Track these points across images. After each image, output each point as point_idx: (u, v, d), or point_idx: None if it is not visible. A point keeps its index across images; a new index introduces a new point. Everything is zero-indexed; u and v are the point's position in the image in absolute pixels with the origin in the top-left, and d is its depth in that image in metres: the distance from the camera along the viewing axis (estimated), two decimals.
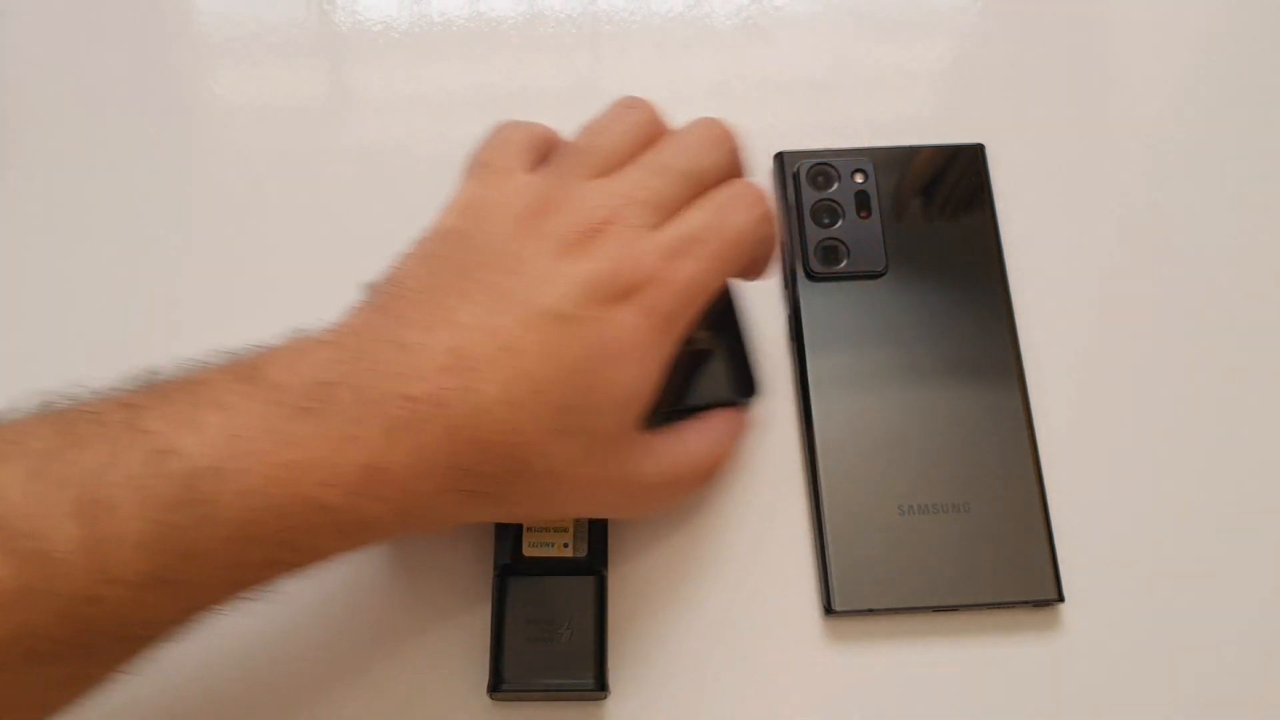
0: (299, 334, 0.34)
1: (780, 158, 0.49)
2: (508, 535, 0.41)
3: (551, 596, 0.39)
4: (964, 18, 0.55)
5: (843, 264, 0.47)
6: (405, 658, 0.41)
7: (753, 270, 0.42)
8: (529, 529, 0.41)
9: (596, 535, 0.41)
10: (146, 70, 0.53)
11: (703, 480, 0.41)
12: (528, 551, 0.40)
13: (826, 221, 0.47)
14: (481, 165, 0.39)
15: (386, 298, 0.35)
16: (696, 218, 0.37)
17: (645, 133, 0.40)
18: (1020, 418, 0.44)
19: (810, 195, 0.48)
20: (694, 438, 0.40)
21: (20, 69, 0.52)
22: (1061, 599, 0.42)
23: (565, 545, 0.40)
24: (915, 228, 0.47)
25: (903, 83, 0.53)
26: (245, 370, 0.32)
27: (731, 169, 0.40)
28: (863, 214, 0.47)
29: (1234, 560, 0.43)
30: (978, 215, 0.48)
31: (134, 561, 0.29)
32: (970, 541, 0.42)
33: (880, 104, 0.52)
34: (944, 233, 0.48)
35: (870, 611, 0.42)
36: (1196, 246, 0.49)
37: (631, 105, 0.41)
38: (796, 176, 0.48)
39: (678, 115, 0.51)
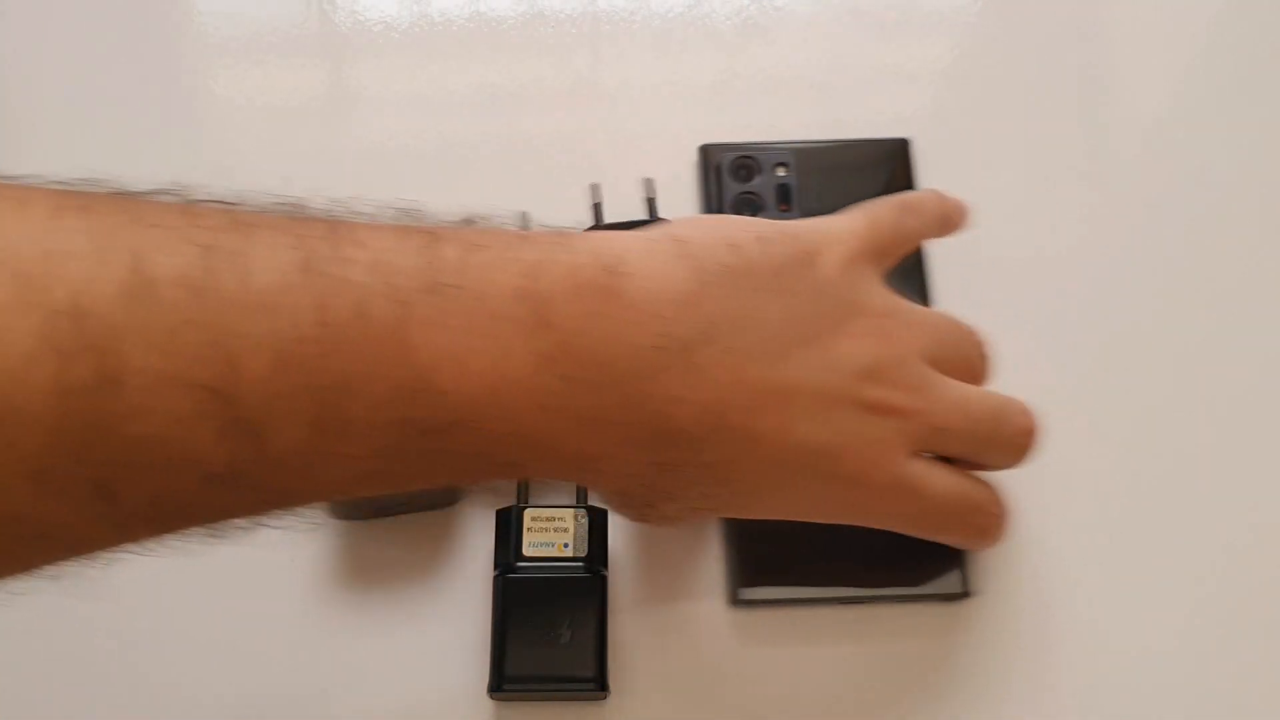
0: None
1: (704, 150, 0.49)
2: (508, 536, 0.41)
3: (552, 597, 0.39)
4: (964, 18, 0.55)
5: None
6: (406, 658, 0.41)
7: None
8: (528, 528, 0.40)
9: (597, 535, 0.41)
10: (146, 70, 0.53)
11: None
12: (528, 552, 0.40)
13: (747, 214, 0.47)
14: (814, 236, 0.38)
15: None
16: (979, 407, 0.38)
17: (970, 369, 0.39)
18: None
19: (732, 188, 0.48)
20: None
21: (20, 69, 0.52)
22: (969, 594, 0.42)
23: (565, 545, 0.40)
24: None
25: (902, 82, 0.53)
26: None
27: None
28: (783, 207, 0.47)
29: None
30: None
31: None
32: (878, 534, 0.41)
33: (880, 103, 0.52)
34: None
35: (775, 603, 0.42)
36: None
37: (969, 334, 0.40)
38: (719, 169, 0.48)
39: (677, 115, 0.52)
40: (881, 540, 0.41)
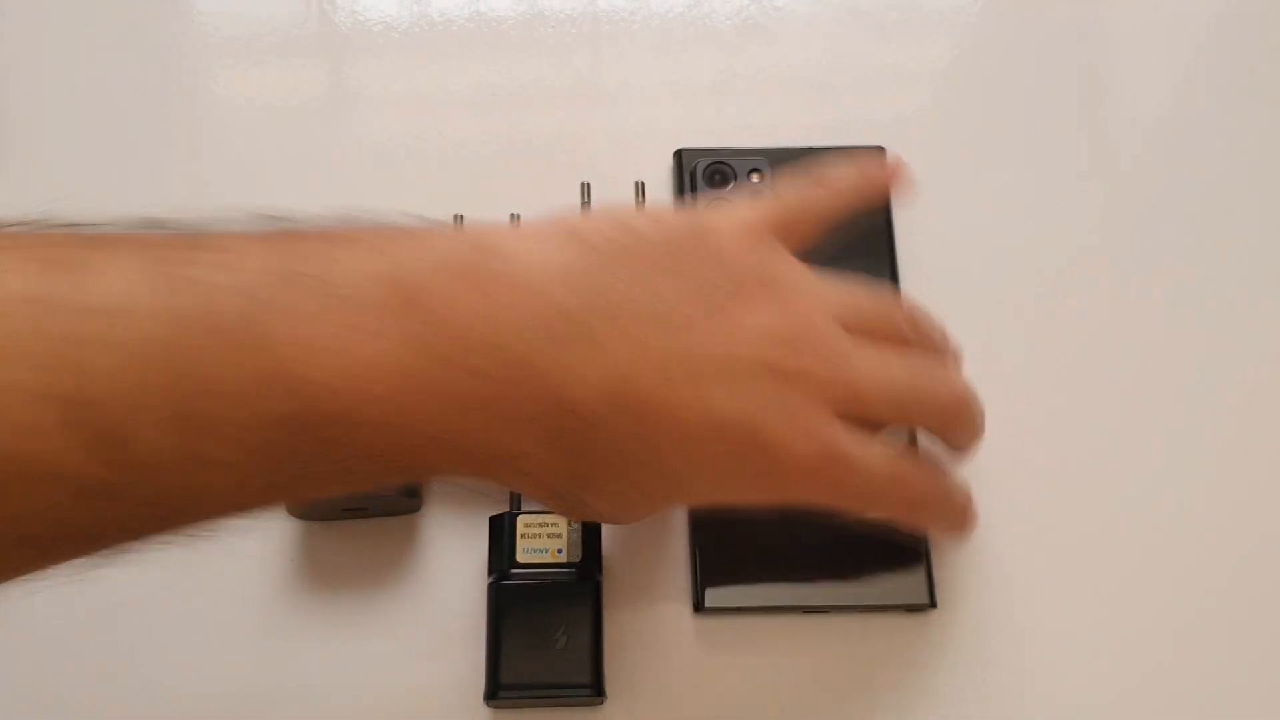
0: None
1: (679, 155, 0.49)
2: (502, 542, 0.41)
3: (547, 603, 0.39)
4: (964, 18, 0.54)
5: None
6: (402, 667, 0.41)
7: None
8: (522, 534, 0.41)
9: (590, 540, 0.41)
10: (146, 70, 0.53)
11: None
12: (522, 558, 0.40)
13: None
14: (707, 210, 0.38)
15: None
16: (899, 360, 0.37)
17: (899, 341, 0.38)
18: None
19: (706, 194, 0.48)
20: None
21: (20, 69, 0.52)
22: (934, 605, 0.42)
23: (559, 551, 0.40)
24: None
25: (902, 82, 0.53)
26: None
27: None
28: None
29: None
30: (873, 217, 0.48)
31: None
32: (845, 544, 0.42)
33: (879, 103, 0.52)
34: (838, 234, 0.47)
35: (740, 610, 0.42)
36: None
37: (895, 307, 0.40)
38: (694, 174, 0.48)
39: (677, 115, 0.52)
40: (849, 550, 0.41)
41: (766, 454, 0.34)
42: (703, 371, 0.33)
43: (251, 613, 0.42)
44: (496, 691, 0.39)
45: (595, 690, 0.39)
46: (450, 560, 0.43)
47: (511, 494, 0.42)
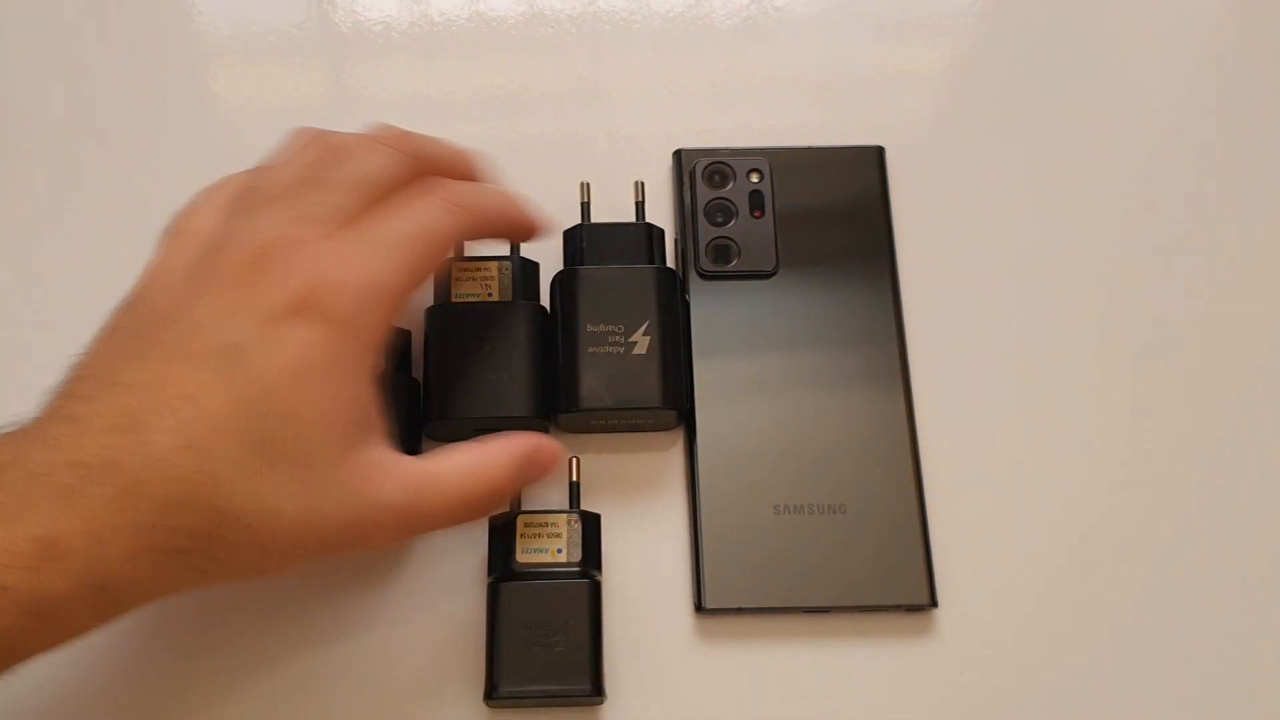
0: None
1: (678, 155, 0.49)
2: (501, 542, 0.41)
3: (546, 603, 0.39)
4: (964, 18, 0.54)
5: (733, 263, 0.46)
6: (400, 667, 0.41)
7: (507, 236, 0.43)
8: (522, 534, 0.41)
9: (590, 540, 0.41)
10: (146, 70, 0.53)
11: (467, 509, 0.38)
12: (521, 558, 0.40)
13: (720, 220, 0.47)
14: (166, 232, 0.39)
15: (64, 381, 0.34)
16: (366, 221, 0.37)
17: (313, 155, 0.38)
18: (903, 422, 0.44)
19: (705, 193, 0.48)
20: (461, 459, 0.38)
21: (20, 69, 0.52)
22: (935, 604, 0.42)
23: (559, 551, 0.40)
24: (809, 229, 0.47)
25: (902, 82, 0.53)
26: None
27: (408, 170, 0.39)
28: (756, 213, 0.47)
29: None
30: (873, 218, 0.48)
31: None
32: (845, 543, 0.42)
33: (879, 103, 0.52)
34: (837, 234, 0.48)
35: (741, 610, 0.42)
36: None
37: (298, 133, 0.40)
38: (693, 174, 0.48)
39: (677, 115, 0.52)
40: (849, 550, 0.42)
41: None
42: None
43: (252, 609, 0.42)
44: (494, 691, 0.39)
45: (594, 691, 0.39)
46: (450, 559, 0.43)
47: None
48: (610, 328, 0.43)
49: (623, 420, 0.44)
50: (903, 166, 0.49)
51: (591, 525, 0.41)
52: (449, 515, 0.37)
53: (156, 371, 0.33)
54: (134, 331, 0.35)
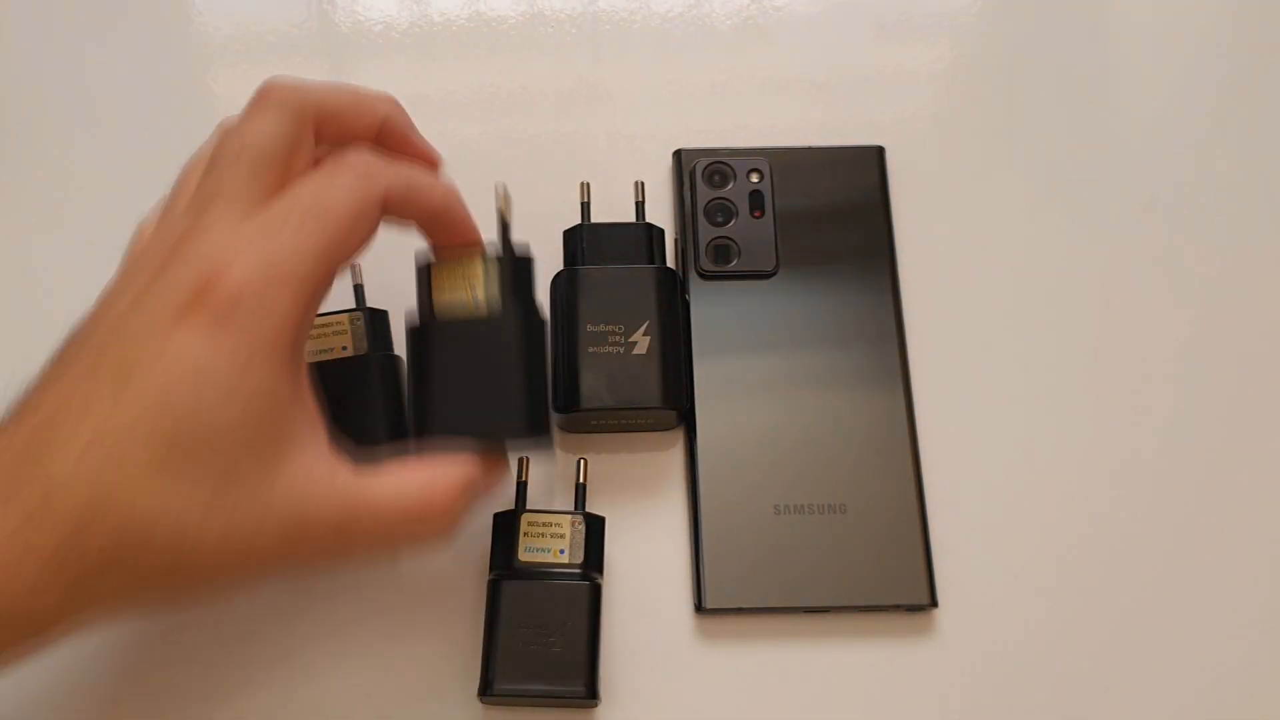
0: None
1: (678, 155, 0.49)
2: (504, 540, 0.41)
3: (545, 602, 0.39)
4: (964, 18, 0.54)
5: (733, 263, 0.47)
6: (397, 659, 0.41)
7: (418, 217, 0.37)
8: (525, 533, 0.41)
9: (592, 542, 0.41)
10: (147, 70, 0.53)
11: (407, 532, 0.35)
12: (524, 557, 0.40)
13: (720, 220, 0.47)
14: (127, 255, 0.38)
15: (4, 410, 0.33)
16: (273, 200, 0.33)
17: (215, 139, 0.36)
18: (903, 422, 0.44)
19: (705, 193, 0.48)
20: (404, 477, 0.35)
21: (20, 69, 0.52)
22: (935, 604, 0.42)
23: (561, 552, 0.40)
24: (809, 228, 0.47)
25: (902, 82, 0.53)
26: None
27: (299, 127, 0.35)
28: (756, 213, 0.47)
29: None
30: (873, 218, 0.48)
31: None
32: (845, 543, 0.42)
33: (879, 103, 0.52)
34: (837, 234, 0.48)
35: (741, 610, 0.42)
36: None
37: (219, 124, 0.37)
38: (693, 174, 0.48)
39: (676, 115, 0.52)
40: (849, 550, 0.42)
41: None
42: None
43: (252, 604, 0.42)
44: (489, 688, 0.39)
45: (588, 694, 0.39)
46: (452, 553, 0.43)
47: (517, 491, 0.42)
48: (610, 328, 0.43)
49: (623, 420, 0.44)
50: (903, 166, 0.49)
51: (595, 527, 0.41)
52: (387, 538, 0.35)
53: (64, 392, 0.31)
54: (60, 353, 0.33)
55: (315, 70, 0.54)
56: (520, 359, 0.38)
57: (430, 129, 0.51)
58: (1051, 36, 0.54)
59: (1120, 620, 0.43)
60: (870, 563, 0.42)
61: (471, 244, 0.39)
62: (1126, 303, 0.48)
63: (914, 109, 0.52)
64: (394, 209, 0.36)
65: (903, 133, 0.50)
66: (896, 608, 0.42)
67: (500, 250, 0.39)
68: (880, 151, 0.49)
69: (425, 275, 0.39)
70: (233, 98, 0.52)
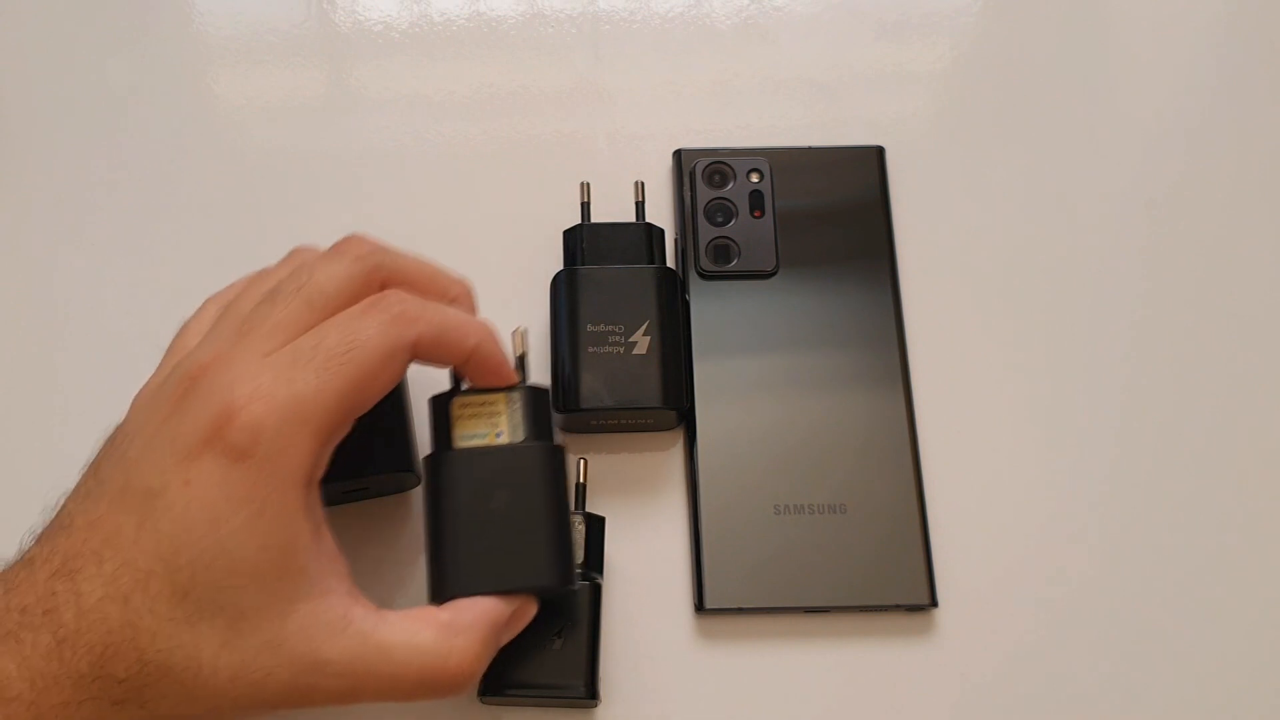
0: None
1: (678, 155, 0.49)
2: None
3: (546, 603, 0.39)
4: (964, 18, 0.54)
5: (734, 263, 0.47)
6: None
7: (450, 361, 0.36)
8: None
9: (593, 543, 0.41)
10: (147, 70, 0.53)
11: (422, 690, 0.33)
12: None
13: (720, 220, 0.47)
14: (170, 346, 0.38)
15: (48, 513, 0.33)
16: (304, 336, 0.33)
17: (282, 267, 0.37)
18: (903, 422, 0.44)
19: (705, 193, 0.48)
20: (421, 635, 0.33)
21: (20, 69, 0.52)
22: (935, 604, 0.42)
23: None
24: (809, 228, 0.47)
25: (902, 82, 0.53)
26: None
27: (365, 280, 0.35)
28: (756, 213, 0.47)
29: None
30: (873, 218, 0.48)
31: None
32: (845, 543, 0.42)
33: (879, 103, 0.52)
34: (837, 234, 0.48)
35: (741, 610, 0.42)
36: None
37: (293, 250, 0.38)
38: (693, 174, 0.48)
39: (677, 115, 0.52)
40: (849, 550, 0.42)
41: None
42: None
43: None
44: (490, 687, 0.39)
45: (588, 694, 0.39)
46: None
47: None
48: (610, 328, 0.43)
49: (623, 420, 0.44)
50: (903, 166, 0.49)
51: (595, 528, 0.41)
52: (400, 693, 0.33)
53: (95, 513, 0.32)
54: (97, 464, 0.33)
55: (315, 70, 0.54)
56: (548, 495, 0.36)
57: (430, 129, 0.52)
58: (1051, 36, 0.54)
59: (1120, 620, 0.43)
60: (870, 563, 0.42)
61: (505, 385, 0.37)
62: (1126, 303, 0.48)
63: (914, 109, 0.52)
64: (425, 354, 0.35)
65: (903, 133, 0.50)
66: (896, 608, 0.42)
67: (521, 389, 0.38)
68: (880, 151, 0.49)
69: (444, 412, 0.37)
70: (232, 98, 0.53)
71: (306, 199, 0.50)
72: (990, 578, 0.43)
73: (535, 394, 0.38)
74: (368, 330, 0.33)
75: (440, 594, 0.36)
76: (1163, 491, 0.45)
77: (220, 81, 0.54)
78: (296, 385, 0.32)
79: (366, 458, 0.37)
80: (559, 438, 0.45)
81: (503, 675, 0.39)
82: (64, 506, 0.33)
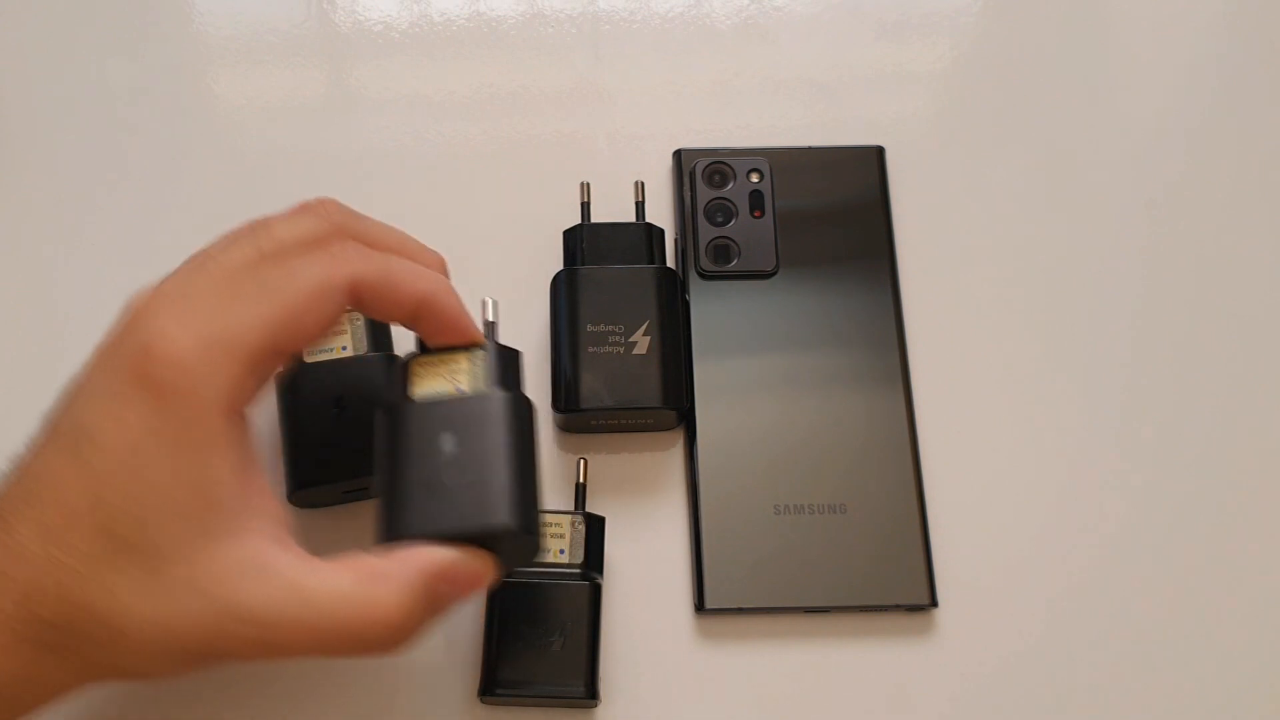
0: None
1: (678, 155, 0.49)
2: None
3: (546, 603, 0.39)
4: (964, 18, 0.54)
5: (734, 263, 0.47)
6: (398, 659, 0.41)
7: (396, 311, 0.35)
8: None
9: (592, 542, 0.41)
10: (147, 70, 0.53)
11: (344, 643, 0.31)
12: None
13: (720, 220, 0.47)
14: None
15: None
16: (242, 274, 0.33)
17: (245, 224, 0.36)
18: (903, 422, 0.44)
19: (705, 193, 0.48)
20: (344, 581, 0.31)
21: (20, 69, 0.52)
22: (935, 604, 0.42)
23: (561, 552, 0.40)
24: (809, 228, 0.48)
25: (902, 82, 0.53)
26: None
27: (325, 236, 0.34)
28: (756, 213, 0.47)
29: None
30: (873, 218, 0.48)
31: None
32: (845, 543, 0.42)
33: (879, 103, 0.52)
34: (837, 234, 0.48)
35: (741, 610, 0.42)
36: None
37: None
38: (693, 174, 0.48)
39: (677, 115, 0.52)
40: (849, 550, 0.42)
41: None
42: None
43: None
44: (490, 688, 0.39)
45: (589, 695, 0.39)
46: None
47: None
48: (610, 328, 0.43)
49: (623, 420, 0.44)
50: (903, 166, 0.50)
51: (595, 528, 0.41)
52: (322, 646, 0.31)
53: (39, 455, 0.32)
54: (52, 407, 0.33)
55: (315, 70, 0.54)
56: (509, 440, 0.33)
57: (430, 129, 0.52)
58: (1051, 36, 0.54)
59: (1120, 620, 0.43)
60: (870, 563, 0.42)
61: (466, 344, 0.36)
62: (1126, 302, 0.48)
63: (914, 109, 0.52)
64: (368, 297, 0.34)
65: (903, 133, 0.50)
66: (896, 608, 0.42)
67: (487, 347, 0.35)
68: (880, 151, 0.49)
69: (403, 369, 0.35)
70: (232, 98, 0.53)
71: (306, 199, 0.50)
72: (990, 577, 0.43)
73: (503, 352, 0.35)
74: (305, 266, 0.33)
75: (378, 540, 0.33)
76: (1163, 491, 0.45)
77: (220, 81, 0.54)
78: (222, 317, 0.32)
79: (366, 458, 0.37)
80: (558, 437, 0.45)
81: (503, 677, 0.39)
82: (15, 456, 0.33)
